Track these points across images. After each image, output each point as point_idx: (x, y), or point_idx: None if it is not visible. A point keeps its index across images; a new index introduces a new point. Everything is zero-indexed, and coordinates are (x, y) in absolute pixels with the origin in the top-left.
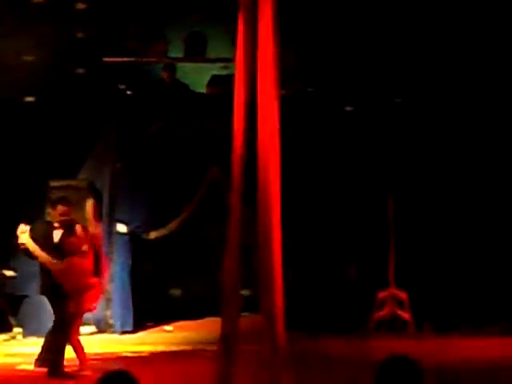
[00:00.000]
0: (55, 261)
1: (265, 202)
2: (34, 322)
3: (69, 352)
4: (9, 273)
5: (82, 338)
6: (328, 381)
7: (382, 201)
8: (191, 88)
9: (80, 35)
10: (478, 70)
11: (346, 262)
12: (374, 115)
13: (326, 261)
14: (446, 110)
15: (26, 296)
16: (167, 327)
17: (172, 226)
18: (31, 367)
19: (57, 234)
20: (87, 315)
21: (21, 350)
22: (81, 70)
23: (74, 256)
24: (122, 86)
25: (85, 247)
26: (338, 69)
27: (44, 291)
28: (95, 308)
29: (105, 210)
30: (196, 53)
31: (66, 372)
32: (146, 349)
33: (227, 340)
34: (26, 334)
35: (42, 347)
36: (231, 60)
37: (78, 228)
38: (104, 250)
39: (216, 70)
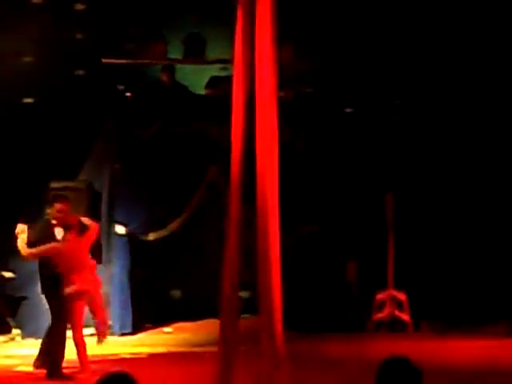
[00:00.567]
0: (53, 243)
1: (263, 203)
2: (32, 324)
3: (68, 353)
4: (7, 274)
5: None
6: (327, 382)
7: (381, 202)
8: (190, 89)
9: (79, 36)
10: (477, 71)
11: (345, 263)
12: (374, 116)
13: (326, 261)
14: (446, 111)
15: (24, 297)
16: (166, 329)
17: (171, 227)
18: (30, 368)
19: (59, 232)
20: (87, 315)
21: (19, 351)
22: (80, 71)
23: (72, 232)
24: (121, 87)
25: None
26: (338, 70)
27: (43, 290)
28: (89, 291)
29: (103, 211)
30: (195, 54)
31: (65, 373)
32: (145, 350)
33: (227, 342)
34: (24, 336)
35: (40, 349)
36: (230, 61)
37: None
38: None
39: (215, 71)
